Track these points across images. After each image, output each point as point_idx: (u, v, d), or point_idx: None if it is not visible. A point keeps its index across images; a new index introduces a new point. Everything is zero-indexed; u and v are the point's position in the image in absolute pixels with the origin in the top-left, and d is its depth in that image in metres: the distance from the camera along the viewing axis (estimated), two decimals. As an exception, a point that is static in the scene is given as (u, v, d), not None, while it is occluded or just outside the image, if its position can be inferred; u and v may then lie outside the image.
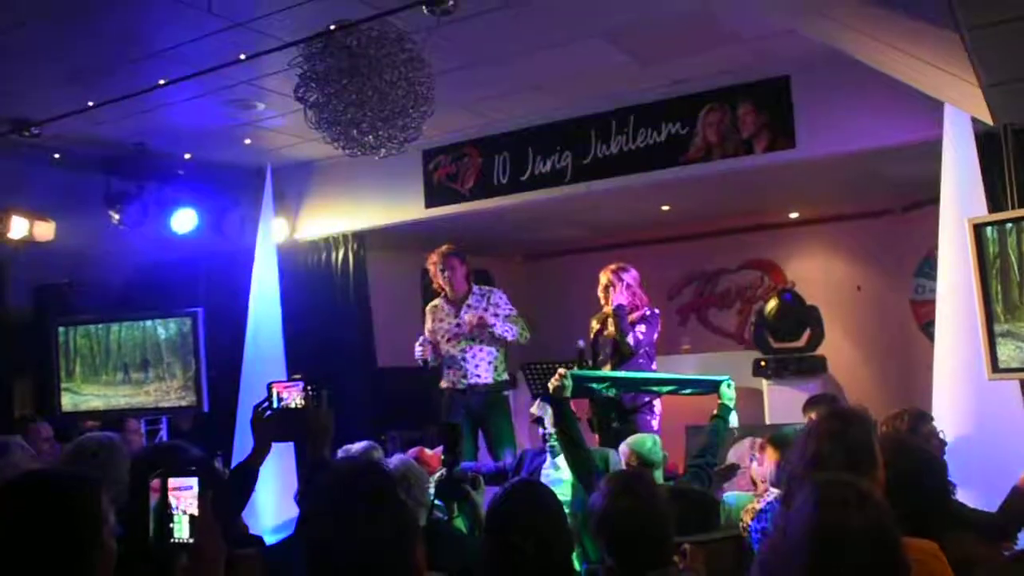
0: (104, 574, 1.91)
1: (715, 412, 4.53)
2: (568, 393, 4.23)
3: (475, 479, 4.46)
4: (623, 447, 4.49)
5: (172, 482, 2.00)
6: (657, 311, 6.03)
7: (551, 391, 4.25)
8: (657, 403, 5.75)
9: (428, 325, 6.42)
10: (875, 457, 2.46)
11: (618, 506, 2.59)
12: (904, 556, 1.82)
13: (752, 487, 4.37)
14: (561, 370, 4.33)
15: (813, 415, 4.51)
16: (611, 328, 5.93)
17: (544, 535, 2.19)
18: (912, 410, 3.97)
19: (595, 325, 6.12)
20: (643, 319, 5.92)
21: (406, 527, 1.68)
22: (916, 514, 2.40)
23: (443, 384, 6.37)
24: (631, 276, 6.01)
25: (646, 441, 4.45)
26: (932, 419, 4.00)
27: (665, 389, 5.19)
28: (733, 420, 4.90)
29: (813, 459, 2.45)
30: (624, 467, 4.31)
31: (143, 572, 2.07)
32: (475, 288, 6.41)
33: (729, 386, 4.49)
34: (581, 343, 5.99)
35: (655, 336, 5.98)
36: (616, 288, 5.95)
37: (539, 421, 5.62)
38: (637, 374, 5.54)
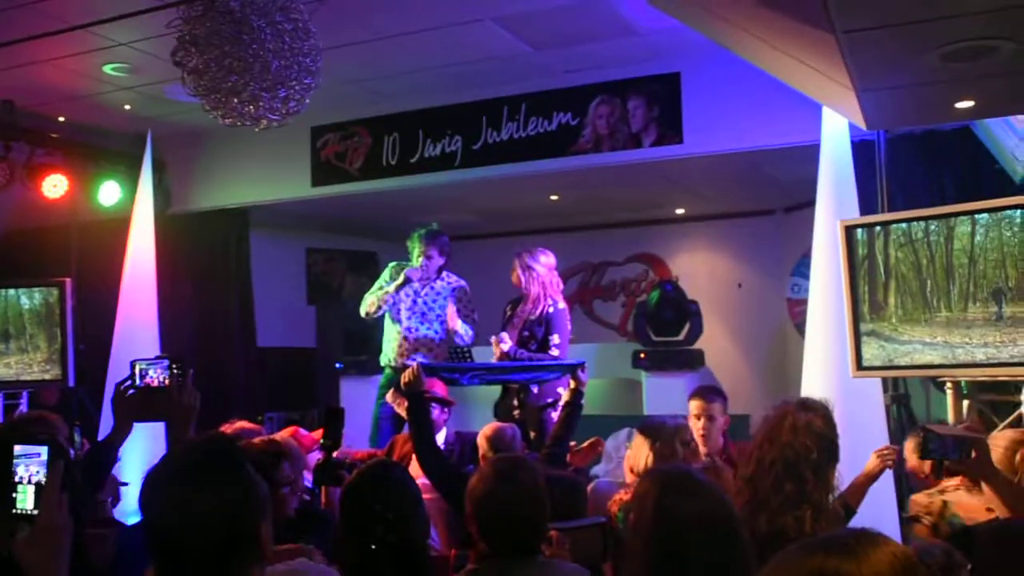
0: None
1: (567, 399, 4.51)
2: (422, 387, 4.18)
3: (353, 465, 4.40)
4: (480, 437, 4.45)
5: (18, 449, 1.90)
6: (563, 307, 5.73)
7: (404, 384, 4.17)
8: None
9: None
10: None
11: (497, 491, 2.58)
12: (739, 536, 1.90)
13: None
14: (414, 363, 4.28)
15: (695, 403, 4.55)
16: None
17: (397, 517, 2.17)
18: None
19: (508, 312, 5.90)
20: (548, 322, 5.59)
21: (248, 501, 1.62)
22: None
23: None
24: (542, 264, 5.70)
25: (504, 431, 4.43)
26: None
27: (523, 376, 5.19)
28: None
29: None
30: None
31: None
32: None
33: (584, 370, 4.50)
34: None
35: (568, 334, 5.70)
36: (525, 278, 5.69)
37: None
38: (494, 363, 5.42)
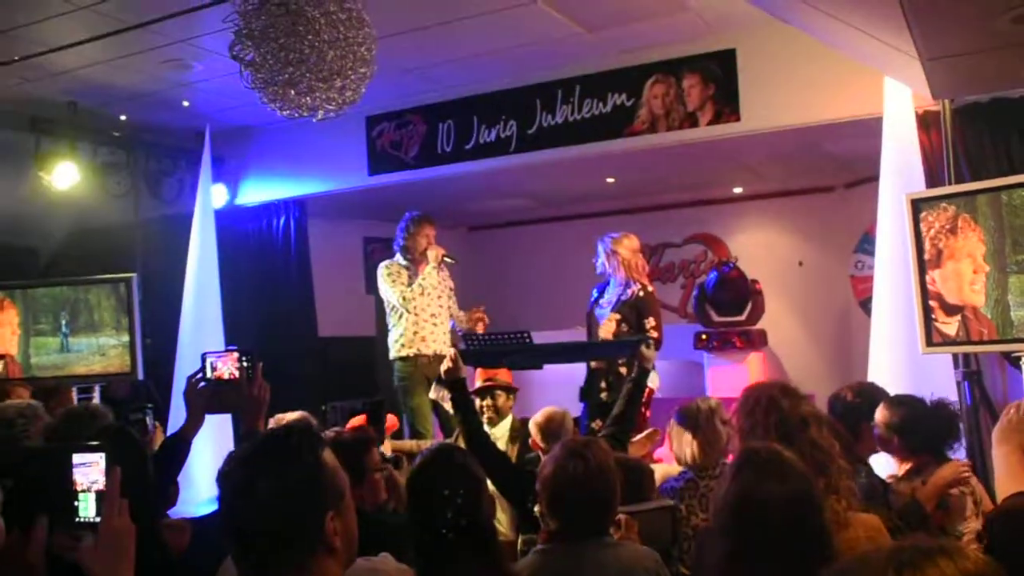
0: None
1: (631, 375, 4.42)
2: (463, 374, 4.11)
3: (397, 459, 4.41)
4: (531, 424, 4.36)
5: (76, 458, 1.91)
6: (652, 289, 5.63)
7: (443, 374, 4.08)
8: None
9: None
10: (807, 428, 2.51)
11: (569, 469, 2.59)
12: (824, 524, 1.85)
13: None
14: (451, 351, 4.20)
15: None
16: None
17: (466, 499, 2.17)
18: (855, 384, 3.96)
19: (595, 294, 5.81)
20: (640, 307, 5.46)
21: (313, 490, 1.62)
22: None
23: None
24: (626, 247, 5.60)
25: (556, 416, 4.33)
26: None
27: (580, 357, 5.12)
28: (654, 380, 4.85)
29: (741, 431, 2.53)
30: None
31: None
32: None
33: (648, 346, 4.38)
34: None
35: (661, 316, 5.59)
36: (610, 263, 5.61)
37: (437, 406, 5.58)
38: (546, 344, 5.33)
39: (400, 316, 6.08)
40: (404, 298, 5.99)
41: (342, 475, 1.67)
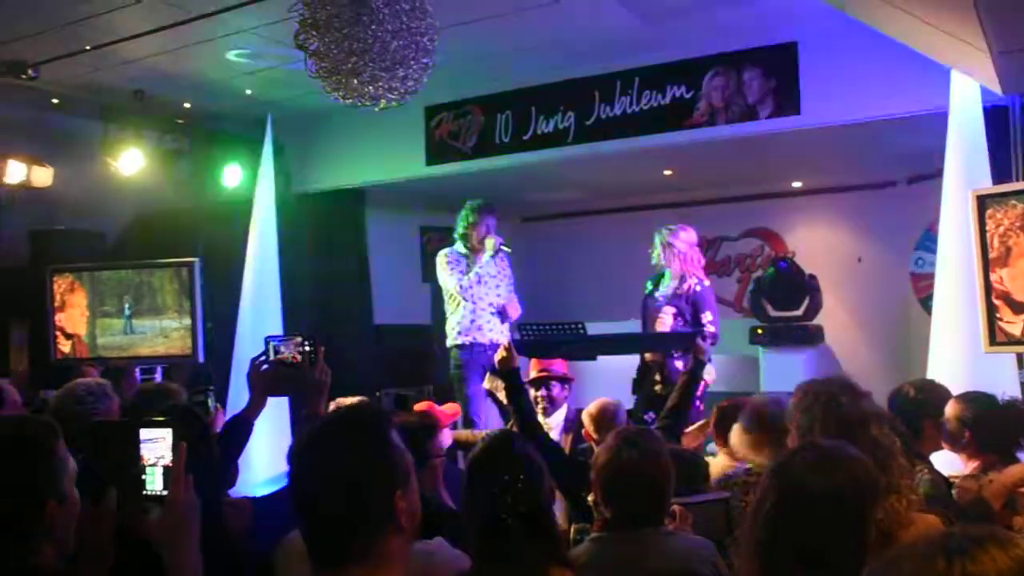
0: (64, 524, 1.88)
1: (688, 368, 4.40)
2: (517, 364, 4.10)
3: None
4: (584, 415, 4.36)
5: (144, 433, 1.97)
6: (708, 284, 5.60)
7: (497, 364, 4.10)
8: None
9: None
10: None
11: (623, 457, 2.61)
12: (866, 524, 1.82)
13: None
14: (506, 341, 4.21)
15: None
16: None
17: (526, 486, 2.19)
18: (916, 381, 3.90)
19: (648, 286, 5.79)
20: (697, 301, 5.43)
21: (382, 468, 1.65)
22: None
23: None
24: (683, 240, 5.57)
25: (609, 407, 4.32)
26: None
27: (634, 348, 5.10)
28: (709, 373, 4.83)
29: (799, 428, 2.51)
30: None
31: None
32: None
33: (704, 339, 4.36)
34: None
35: (718, 311, 5.58)
36: (666, 256, 5.57)
37: (492, 395, 5.59)
38: (601, 336, 5.20)
39: (457, 304, 6.12)
40: (460, 286, 6.03)
41: (408, 456, 1.70)
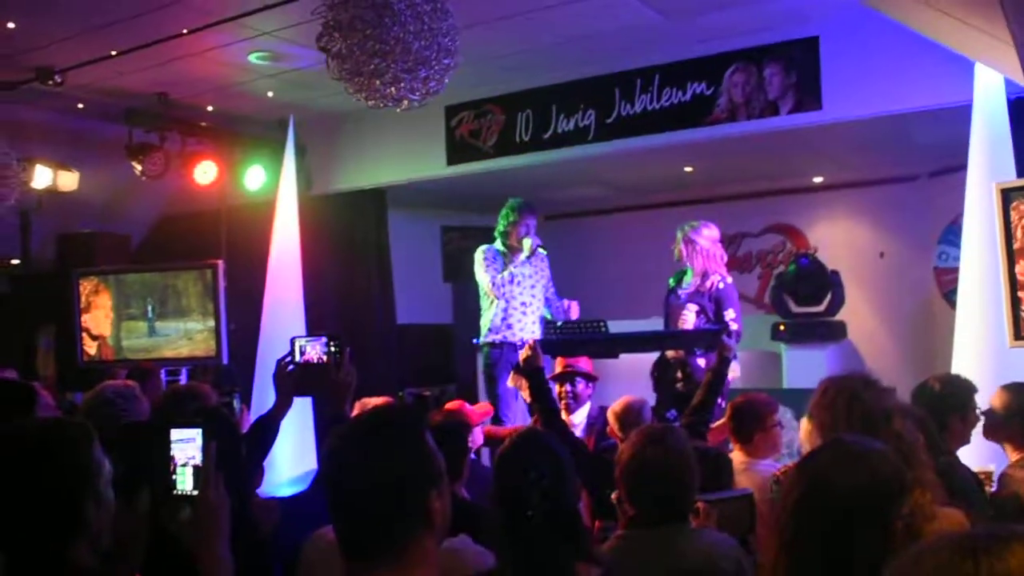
0: (100, 524, 1.91)
1: (712, 365, 4.39)
2: (541, 363, 4.12)
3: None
4: (609, 413, 4.38)
5: (175, 434, 1.99)
6: (731, 281, 5.60)
7: (522, 363, 4.15)
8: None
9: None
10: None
11: (647, 454, 2.62)
12: (892, 519, 1.81)
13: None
14: (530, 340, 4.22)
15: None
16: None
17: (553, 483, 2.20)
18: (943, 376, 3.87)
19: (671, 283, 5.79)
20: (719, 299, 5.43)
21: (419, 467, 1.66)
22: None
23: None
24: (705, 237, 5.56)
25: (634, 405, 4.34)
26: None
27: (658, 346, 5.09)
28: (734, 370, 4.83)
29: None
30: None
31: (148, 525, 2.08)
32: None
33: (730, 335, 4.35)
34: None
35: (740, 308, 5.59)
36: (688, 252, 5.56)
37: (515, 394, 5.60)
38: (624, 334, 5.20)
39: (491, 302, 6.13)
40: (493, 283, 6.04)
41: (440, 456, 1.72)
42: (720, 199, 9.30)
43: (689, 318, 5.41)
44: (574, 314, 6.10)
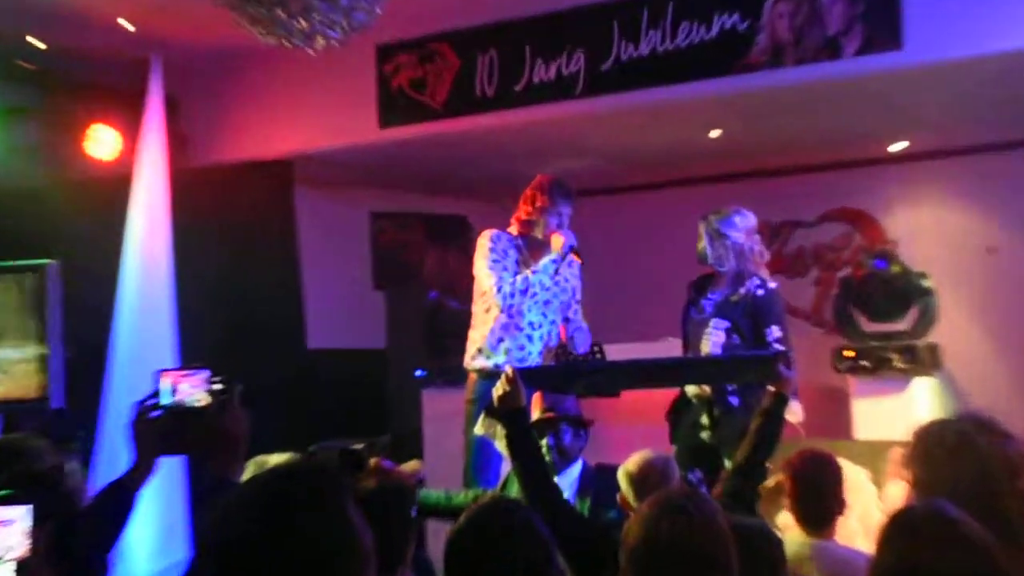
0: None
1: (763, 406, 4.36)
2: (523, 402, 4.10)
3: None
4: (621, 473, 4.33)
5: None
6: (775, 285, 5.66)
7: (496, 401, 4.13)
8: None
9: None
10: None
11: (664, 532, 2.63)
12: None
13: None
14: (508, 368, 4.18)
15: None
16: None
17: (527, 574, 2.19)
18: None
19: (692, 292, 5.82)
20: (758, 310, 5.50)
21: (344, 556, 1.66)
22: None
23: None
24: (739, 228, 5.62)
25: (656, 464, 4.29)
26: None
27: (689, 378, 5.08)
28: (795, 412, 4.84)
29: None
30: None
31: None
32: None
33: (789, 366, 4.35)
34: None
35: (785, 319, 5.62)
36: (716, 249, 5.62)
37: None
38: (635, 362, 5.18)
39: (487, 310, 6.06)
40: (497, 288, 5.90)
41: (369, 536, 1.71)
42: (760, 175, 9.36)
43: (716, 338, 5.42)
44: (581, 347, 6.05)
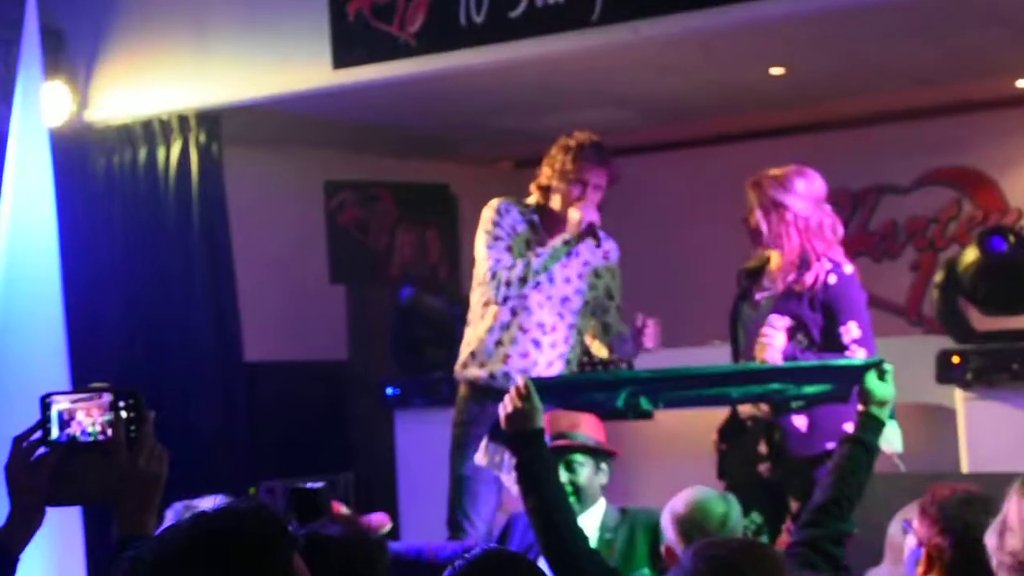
0: None
1: (853, 431, 4.36)
2: (539, 422, 4.16)
3: None
4: (665, 516, 4.38)
5: None
6: (851, 270, 5.65)
7: (505, 421, 4.20)
8: None
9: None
10: None
11: None
12: None
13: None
14: (520, 380, 4.22)
15: None
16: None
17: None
18: None
19: (744, 279, 5.89)
20: (830, 302, 5.53)
21: None
22: None
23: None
24: (801, 195, 5.61)
25: (714, 505, 4.37)
26: None
27: (754, 391, 5.11)
28: (891, 443, 4.84)
29: None
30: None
31: None
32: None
33: (884, 377, 4.34)
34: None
35: (867, 313, 5.65)
36: (772, 224, 5.61)
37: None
38: (662, 370, 5.08)
39: (487, 303, 6.14)
40: (492, 273, 5.98)
41: None
42: (835, 126, 9.39)
43: (774, 340, 5.42)
44: (649, 342, 6.15)
